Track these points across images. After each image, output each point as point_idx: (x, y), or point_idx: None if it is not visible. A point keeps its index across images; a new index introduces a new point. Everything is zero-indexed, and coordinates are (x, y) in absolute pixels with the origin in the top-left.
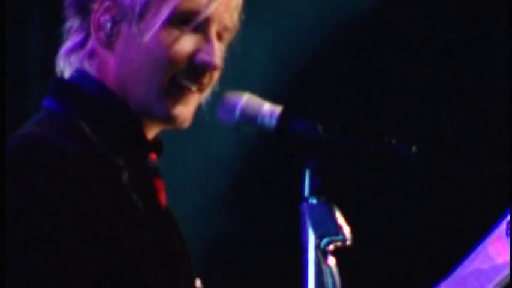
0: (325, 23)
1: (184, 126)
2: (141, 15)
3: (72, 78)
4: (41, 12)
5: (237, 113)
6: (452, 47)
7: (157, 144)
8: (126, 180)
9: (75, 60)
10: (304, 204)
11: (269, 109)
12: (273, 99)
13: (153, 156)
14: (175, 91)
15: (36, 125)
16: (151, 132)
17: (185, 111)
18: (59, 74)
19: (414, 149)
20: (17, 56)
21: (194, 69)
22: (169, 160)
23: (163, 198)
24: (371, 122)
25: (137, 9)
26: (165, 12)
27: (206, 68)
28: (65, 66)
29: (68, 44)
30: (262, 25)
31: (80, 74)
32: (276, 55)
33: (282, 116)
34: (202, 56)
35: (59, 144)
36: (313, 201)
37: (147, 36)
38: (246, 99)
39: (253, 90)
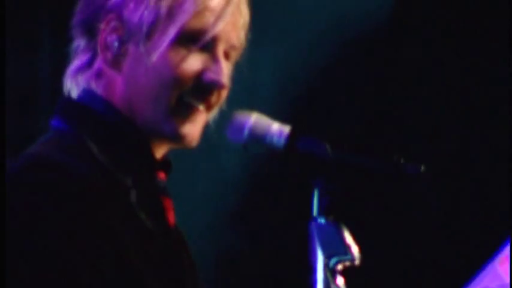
0: (333, 40)
1: (192, 146)
2: (148, 35)
3: (79, 97)
4: (50, 33)
5: (246, 132)
6: (464, 63)
7: (165, 163)
8: (134, 200)
9: (82, 79)
10: (313, 223)
11: (278, 129)
12: (282, 118)
13: (162, 175)
14: (183, 110)
15: (43, 145)
16: (160, 152)
17: (193, 130)
18: (66, 94)
19: (422, 168)
20: (26, 76)
21: (201, 88)
22: (178, 178)
23: (171, 217)
24: (380, 141)
25: (144, 29)
26: (172, 32)
27: (214, 87)
28: (72, 86)
29: (75, 64)
30: (270, 43)
31: (87, 94)
32: (284, 74)
33: (291, 136)
34: (210, 75)
35: (66, 164)
36: (322, 220)
37: (155, 56)
38: (255, 119)
39: (262, 110)
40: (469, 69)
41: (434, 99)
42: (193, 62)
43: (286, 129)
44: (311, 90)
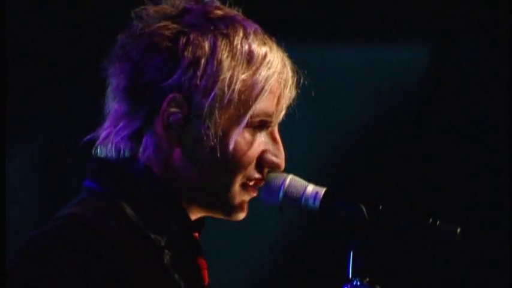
0: (370, 100)
1: (240, 219)
2: (218, 119)
3: (112, 158)
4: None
5: (281, 194)
6: (498, 126)
7: (199, 223)
8: (167, 260)
9: (123, 145)
10: (348, 286)
11: (313, 191)
12: (317, 180)
13: (196, 235)
14: (243, 192)
15: (77, 206)
16: (195, 215)
17: (245, 206)
18: (95, 153)
19: (459, 230)
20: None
21: (261, 169)
22: (212, 238)
23: (205, 277)
24: (416, 202)
25: (216, 114)
26: (244, 120)
27: (273, 168)
28: (105, 147)
29: (117, 131)
30: (307, 105)
31: (122, 155)
32: (320, 136)
33: (326, 198)
34: (271, 158)
35: (100, 226)
36: (357, 282)
37: (224, 141)
38: (290, 181)
39: (297, 171)
40: (505, 129)
41: (470, 160)
42: (257, 146)
43: (321, 191)
44: (346, 152)
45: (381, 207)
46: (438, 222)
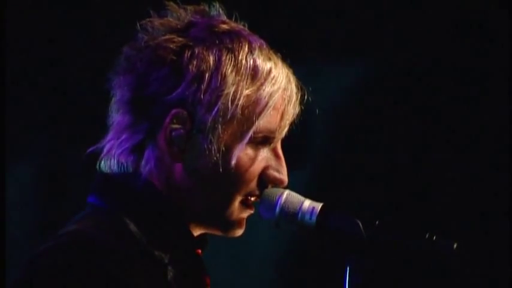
0: (367, 114)
1: (238, 236)
2: (221, 134)
3: (117, 174)
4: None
5: (278, 210)
6: (500, 133)
7: (202, 240)
8: (171, 277)
9: (126, 159)
10: None
11: (309, 206)
12: (313, 194)
13: (198, 252)
14: (242, 209)
15: (80, 222)
16: (197, 231)
17: (244, 223)
18: (99, 168)
19: (455, 245)
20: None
21: (263, 185)
22: (213, 255)
23: None
24: (414, 217)
25: (219, 129)
26: (247, 136)
27: (276, 184)
28: (109, 161)
29: (122, 145)
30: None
31: (126, 171)
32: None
33: (322, 213)
34: (274, 174)
35: (103, 243)
36: None
37: (227, 157)
38: (286, 196)
39: (293, 186)
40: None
41: (470, 173)
42: (260, 162)
43: (318, 206)
44: (344, 164)
45: (377, 222)
46: (435, 238)
